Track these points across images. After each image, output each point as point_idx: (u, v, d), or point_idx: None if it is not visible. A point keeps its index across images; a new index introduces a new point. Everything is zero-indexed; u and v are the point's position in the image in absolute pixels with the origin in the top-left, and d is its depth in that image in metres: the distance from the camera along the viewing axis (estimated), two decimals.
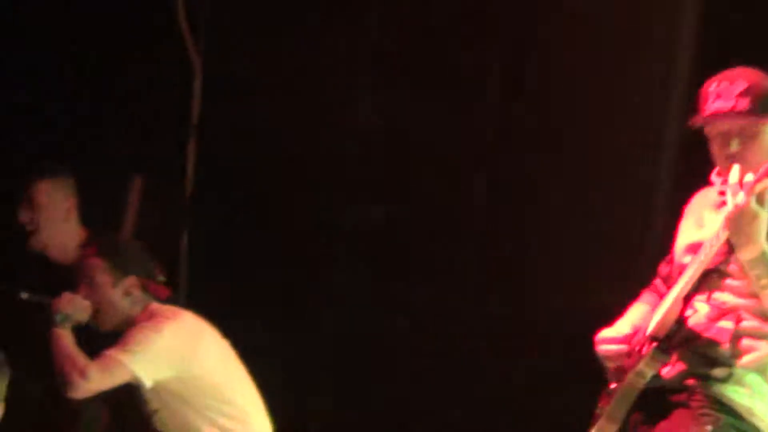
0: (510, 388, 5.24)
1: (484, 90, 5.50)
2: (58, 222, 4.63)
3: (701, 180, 3.61)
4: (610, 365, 3.52)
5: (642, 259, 4.55)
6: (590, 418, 3.55)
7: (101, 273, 4.23)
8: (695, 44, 4.99)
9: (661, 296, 3.52)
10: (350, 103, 5.69)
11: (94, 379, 4.07)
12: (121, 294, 4.24)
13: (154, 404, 4.25)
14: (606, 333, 3.53)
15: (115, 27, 5.67)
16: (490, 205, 5.48)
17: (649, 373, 3.38)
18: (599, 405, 3.54)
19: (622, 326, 3.55)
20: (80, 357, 4.10)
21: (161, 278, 4.41)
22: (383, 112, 5.61)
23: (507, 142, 5.43)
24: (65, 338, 4.14)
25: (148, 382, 4.14)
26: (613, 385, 3.50)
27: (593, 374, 3.63)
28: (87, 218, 4.88)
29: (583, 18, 5.17)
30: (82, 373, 4.04)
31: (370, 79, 5.68)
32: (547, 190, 5.31)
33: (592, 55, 5.15)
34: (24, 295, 4.30)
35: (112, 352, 4.11)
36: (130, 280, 4.25)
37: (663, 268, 3.65)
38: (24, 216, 4.61)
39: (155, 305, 4.30)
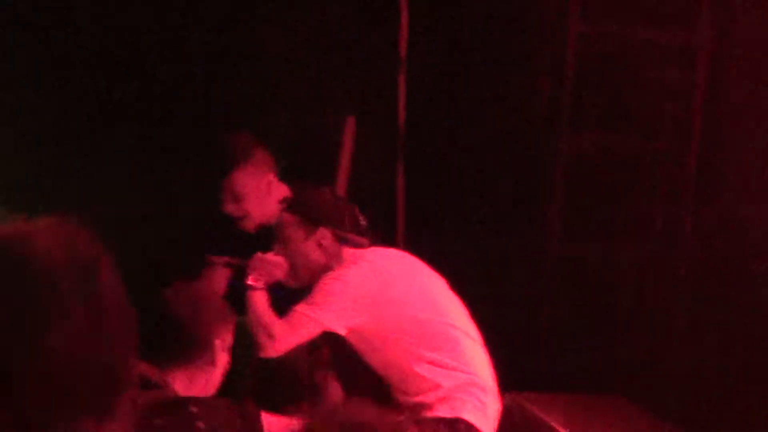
0: None
1: None
2: (261, 200, 4.51)
3: None
4: None
5: None
6: None
7: (292, 228, 4.19)
8: None
9: None
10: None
11: (281, 338, 4.04)
12: (314, 246, 4.20)
13: (358, 348, 4.22)
14: None
15: None
16: None
17: None
18: None
19: None
20: (267, 316, 4.07)
21: (362, 224, 4.34)
22: None
23: None
24: (256, 300, 4.11)
25: (341, 330, 4.10)
26: None
27: None
28: (302, 163, 4.86)
29: None
30: (269, 333, 4.03)
31: None
32: None
33: None
34: (221, 261, 4.27)
35: (298, 308, 4.08)
36: (322, 232, 4.19)
37: None
38: (230, 208, 4.50)
39: (348, 252, 4.22)
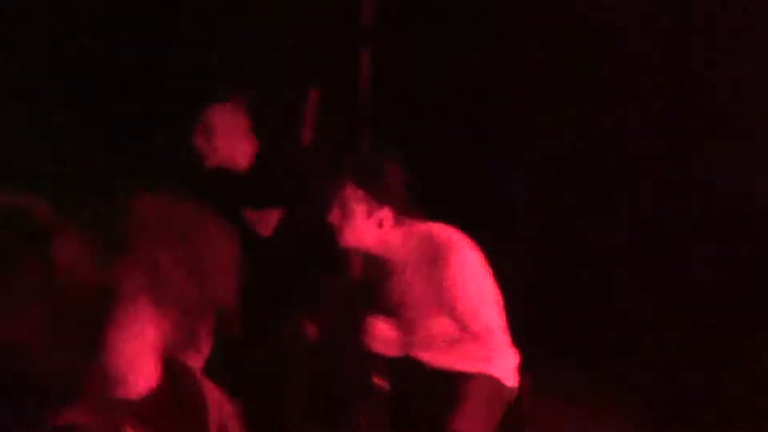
0: None
1: None
2: (232, 141, 4.60)
3: None
4: None
5: None
6: None
7: (355, 201, 4.01)
8: None
9: None
10: None
11: None
12: (373, 225, 4.02)
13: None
14: None
15: None
16: None
17: None
18: None
19: None
20: None
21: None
22: None
23: None
24: None
25: None
26: None
27: None
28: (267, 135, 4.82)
29: None
30: None
31: None
32: None
33: None
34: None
35: None
36: (385, 212, 4.03)
37: None
38: (199, 141, 4.57)
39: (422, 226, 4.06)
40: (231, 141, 4.60)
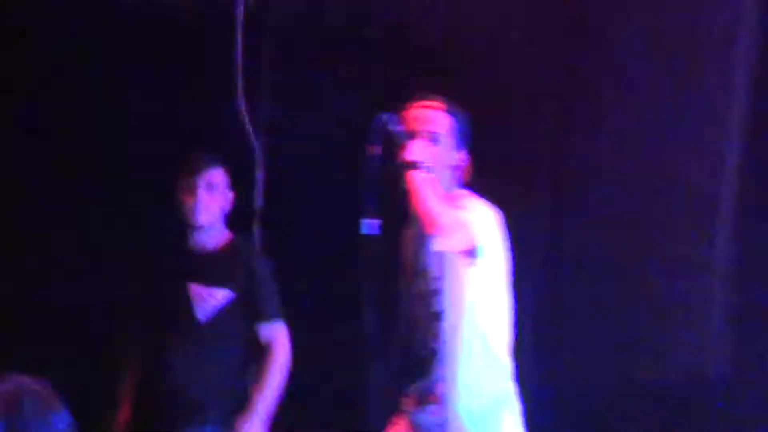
0: None
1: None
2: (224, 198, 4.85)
3: None
4: None
5: None
6: None
7: (446, 133, 3.97)
8: None
9: None
10: None
11: (455, 231, 3.77)
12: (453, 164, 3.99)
13: (442, 285, 3.97)
14: None
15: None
16: None
17: None
18: None
19: None
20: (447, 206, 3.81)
21: None
22: None
23: None
24: (430, 182, 3.82)
25: (479, 256, 3.82)
26: None
27: None
28: None
29: None
30: (451, 219, 3.75)
31: None
32: None
33: None
34: (394, 126, 3.91)
35: (464, 215, 3.80)
36: (463, 154, 4.01)
37: None
38: (204, 196, 4.78)
39: (464, 190, 4.00)
40: (223, 200, 4.84)
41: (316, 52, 5.60)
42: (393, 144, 3.84)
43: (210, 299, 4.70)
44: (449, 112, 3.96)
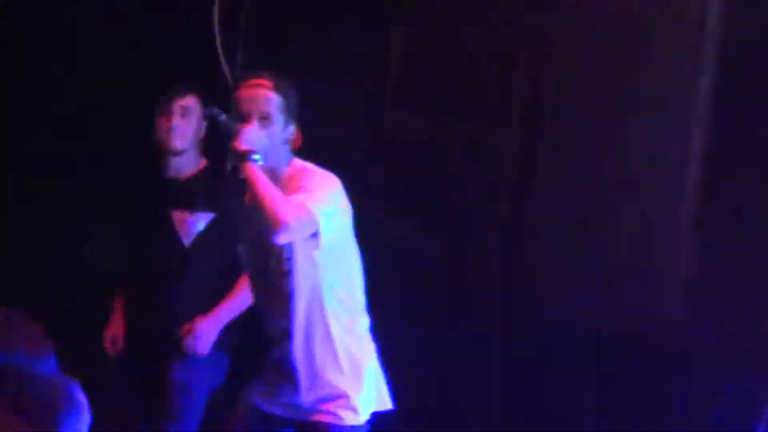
0: None
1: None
2: (198, 126, 4.92)
3: None
4: None
5: None
6: None
7: (277, 111, 3.91)
8: None
9: None
10: None
11: (302, 226, 3.72)
12: (284, 139, 3.95)
13: (293, 265, 3.94)
14: None
15: None
16: None
17: None
18: None
19: None
20: (276, 190, 3.76)
21: None
22: None
23: None
24: (259, 174, 3.76)
25: (325, 238, 3.79)
26: None
27: None
28: None
29: None
30: (296, 216, 3.69)
31: None
32: None
33: None
34: (222, 117, 3.92)
35: (304, 201, 3.73)
36: (293, 127, 3.96)
37: None
38: (178, 122, 4.87)
39: (299, 160, 3.99)
40: (197, 127, 4.91)
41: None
42: (226, 135, 3.86)
43: (192, 224, 4.88)
44: (279, 88, 3.91)
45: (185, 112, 4.88)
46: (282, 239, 3.70)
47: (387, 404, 4.04)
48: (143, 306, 4.94)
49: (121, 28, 5.84)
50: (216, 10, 5.65)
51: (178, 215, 4.89)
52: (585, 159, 5.33)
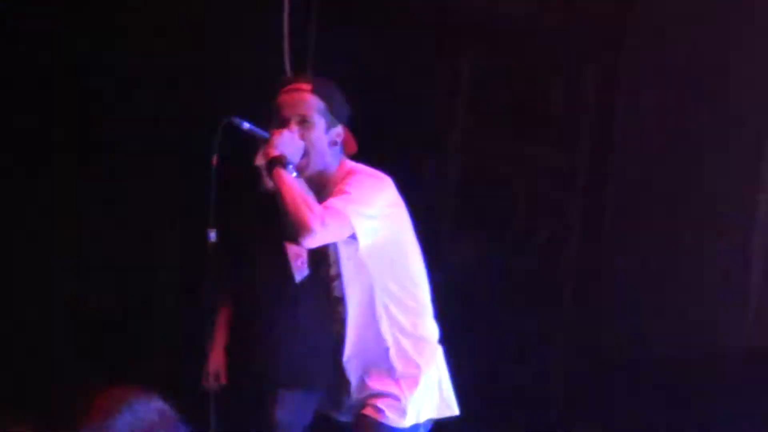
0: None
1: None
2: None
3: None
4: None
5: None
6: None
7: (316, 113, 3.78)
8: None
9: None
10: None
11: (330, 231, 3.61)
12: (330, 142, 3.80)
13: (341, 269, 3.84)
14: None
15: None
16: None
17: None
18: None
19: None
20: (316, 203, 3.64)
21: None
22: None
23: None
24: (295, 181, 3.64)
25: (364, 241, 3.67)
26: None
27: None
28: None
29: None
30: (322, 221, 3.56)
31: None
32: None
33: None
34: (245, 125, 3.77)
35: (337, 204, 3.63)
36: (339, 129, 3.82)
37: None
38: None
39: (350, 162, 3.84)
40: None
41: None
42: (253, 143, 3.77)
43: (302, 258, 4.57)
44: (318, 90, 3.79)
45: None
46: (308, 243, 3.60)
47: (451, 411, 3.94)
48: (246, 340, 4.81)
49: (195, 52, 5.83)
50: (285, 24, 5.62)
51: (294, 249, 4.61)
52: (657, 189, 5.30)
